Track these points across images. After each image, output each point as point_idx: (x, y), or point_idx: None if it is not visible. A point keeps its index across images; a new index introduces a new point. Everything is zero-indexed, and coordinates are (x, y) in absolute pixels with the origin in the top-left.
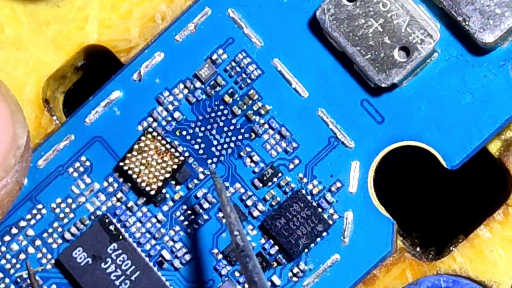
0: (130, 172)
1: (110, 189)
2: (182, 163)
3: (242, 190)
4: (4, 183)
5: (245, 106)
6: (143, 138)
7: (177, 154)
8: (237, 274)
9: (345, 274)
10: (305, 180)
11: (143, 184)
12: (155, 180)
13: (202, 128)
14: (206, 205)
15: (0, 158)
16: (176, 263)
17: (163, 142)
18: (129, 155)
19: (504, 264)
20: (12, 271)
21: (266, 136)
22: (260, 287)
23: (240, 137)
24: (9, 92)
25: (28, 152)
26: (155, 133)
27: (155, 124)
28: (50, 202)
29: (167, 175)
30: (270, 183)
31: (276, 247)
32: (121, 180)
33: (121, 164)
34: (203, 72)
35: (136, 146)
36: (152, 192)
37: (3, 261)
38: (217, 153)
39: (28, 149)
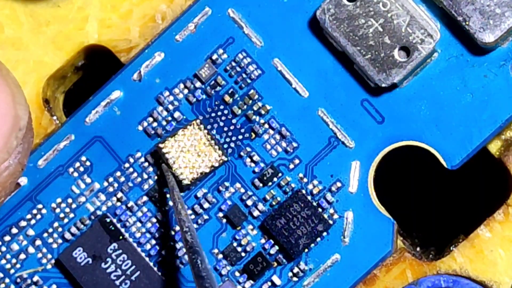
0: (167, 156)
1: (110, 189)
2: (223, 163)
3: (242, 190)
4: (6, 165)
5: (245, 106)
6: (190, 126)
7: (221, 152)
8: (237, 274)
9: (345, 274)
10: (305, 180)
11: (178, 171)
12: (192, 170)
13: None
14: (206, 205)
15: (2, 140)
16: (177, 263)
17: (211, 136)
18: (170, 138)
19: (504, 264)
20: (12, 271)
21: (266, 136)
22: (208, 281)
23: (240, 137)
24: (9, 73)
25: (30, 133)
26: (203, 126)
27: (155, 124)
28: (50, 202)
29: (207, 170)
30: (270, 183)
31: (276, 247)
32: (152, 163)
33: (161, 145)
34: (203, 72)
35: (181, 132)
36: (186, 182)
37: (3, 261)
38: None
39: (30, 130)
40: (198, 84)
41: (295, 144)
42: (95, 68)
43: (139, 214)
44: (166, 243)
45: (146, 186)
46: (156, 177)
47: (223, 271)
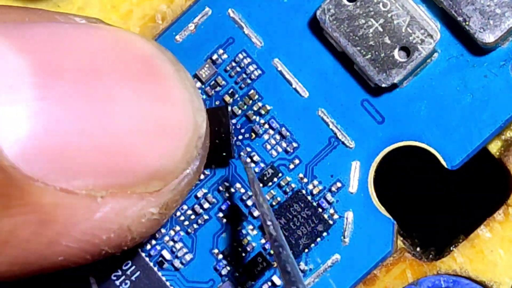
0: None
1: None
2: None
3: (243, 190)
4: (185, 174)
5: (245, 106)
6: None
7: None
8: (237, 274)
9: (345, 274)
10: (305, 180)
11: None
12: None
13: None
14: (206, 205)
15: (182, 150)
16: (177, 263)
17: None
18: None
19: (504, 264)
20: None
21: (267, 136)
22: (293, 276)
23: (240, 137)
24: (187, 76)
25: (207, 139)
26: None
27: None
28: None
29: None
30: (270, 183)
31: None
32: None
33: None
34: (203, 72)
35: None
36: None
37: None
38: None
39: (207, 136)
40: (198, 84)
41: (295, 144)
42: None
43: None
44: (166, 243)
45: None
46: None
47: (223, 271)
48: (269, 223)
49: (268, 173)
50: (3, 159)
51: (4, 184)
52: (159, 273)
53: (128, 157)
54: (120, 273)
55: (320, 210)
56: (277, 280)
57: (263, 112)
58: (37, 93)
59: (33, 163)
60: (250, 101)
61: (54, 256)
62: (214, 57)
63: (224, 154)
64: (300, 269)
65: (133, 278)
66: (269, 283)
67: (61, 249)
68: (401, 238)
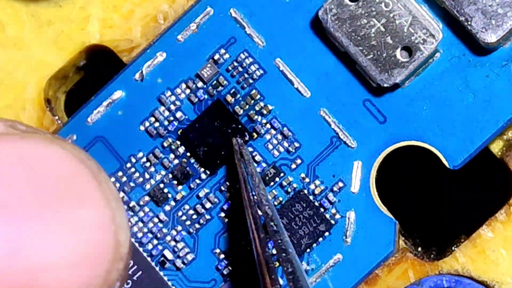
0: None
1: None
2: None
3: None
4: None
5: (247, 106)
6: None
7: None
8: (239, 274)
9: (347, 274)
10: (307, 180)
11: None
12: None
13: None
14: (208, 205)
15: (102, 277)
16: (178, 263)
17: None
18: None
19: (506, 264)
20: None
21: (268, 136)
22: (289, 254)
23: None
24: (110, 186)
25: (129, 257)
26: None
27: (157, 124)
28: None
29: None
30: (272, 183)
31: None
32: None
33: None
34: (205, 72)
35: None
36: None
37: None
38: None
39: (130, 253)
40: (200, 84)
41: (297, 144)
42: (97, 68)
43: (141, 214)
44: (168, 243)
45: (148, 186)
46: (157, 177)
47: (225, 271)
48: (265, 203)
49: (270, 173)
50: None
51: None
52: (161, 273)
53: None
54: None
55: (322, 210)
56: (279, 280)
57: (265, 112)
58: None
59: None
60: (252, 101)
61: None
62: (216, 57)
63: (243, 138)
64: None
65: (134, 278)
66: (280, 281)
67: None
68: (403, 238)
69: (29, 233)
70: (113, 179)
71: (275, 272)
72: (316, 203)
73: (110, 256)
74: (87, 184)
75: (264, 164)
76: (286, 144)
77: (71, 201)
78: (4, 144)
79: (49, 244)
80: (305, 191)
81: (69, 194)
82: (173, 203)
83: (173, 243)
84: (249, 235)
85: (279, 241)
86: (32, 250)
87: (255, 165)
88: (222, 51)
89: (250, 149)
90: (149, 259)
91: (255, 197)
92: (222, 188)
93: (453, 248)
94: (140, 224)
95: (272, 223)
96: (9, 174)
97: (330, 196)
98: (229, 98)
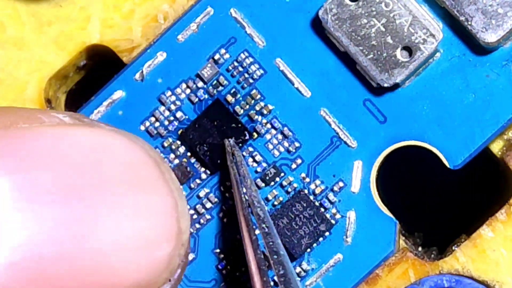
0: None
1: None
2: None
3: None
4: (167, 286)
5: (247, 106)
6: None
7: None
8: (239, 273)
9: (348, 274)
10: (307, 179)
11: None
12: None
13: None
14: (208, 205)
15: (166, 262)
16: None
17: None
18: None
19: (506, 264)
20: None
21: (269, 135)
22: (280, 256)
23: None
24: (172, 176)
25: (189, 242)
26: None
27: (157, 124)
28: None
29: None
30: (272, 183)
31: None
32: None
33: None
34: (205, 72)
35: None
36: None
37: None
38: None
39: (189, 239)
40: (200, 84)
41: (297, 144)
42: (97, 68)
43: None
44: None
45: None
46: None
47: (225, 271)
48: (257, 204)
49: (270, 173)
50: None
51: None
52: None
53: (110, 276)
54: None
55: (322, 209)
56: (271, 283)
57: (265, 111)
58: (19, 220)
59: None
60: (252, 101)
61: None
62: (216, 56)
63: (243, 138)
64: (302, 268)
65: None
66: (271, 283)
67: None
68: (403, 238)
69: (100, 215)
70: None
71: (266, 275)
72: (317, 203)
73: (173, 241)
74: (152, 173)
75: (264, 164)
76: (286, 144)
77: (138, 187)
78: (76, 132)
79: (119, 227)
80: (306, 191)
81: (136, 181)
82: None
83: None
84: (241, 237)
85: (271, 243)
86: (102, 232)
87: (247, 166)
88: (223, 51)
89: (251, 148)
90: None
91: (247, 198)
92: (222, 188)
93: (453, 248)
94: None
95: (263, 225)
96: (81, 160)
97: (331, 196)
98: (229, 98)
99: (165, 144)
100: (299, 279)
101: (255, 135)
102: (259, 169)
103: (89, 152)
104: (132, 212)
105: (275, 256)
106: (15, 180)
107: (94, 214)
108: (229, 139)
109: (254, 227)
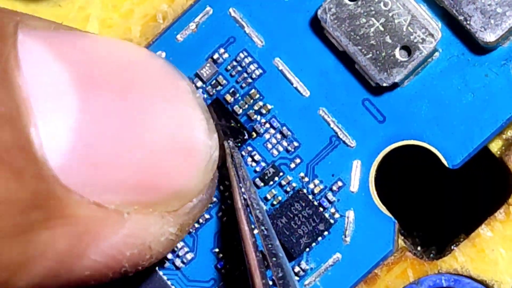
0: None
1: None
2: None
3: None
4: (200, 199)
5: (246, 105)
6: None
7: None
8: (238, 273)
9: (347, 273)
10: (306, 179)
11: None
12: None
13: None
14: None
15: (202, 172)
16: (178, 262)
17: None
18: None
19: (505, 263)
20: None
21: (268, 135)
22: (280, 258)
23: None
24: (201, 98)
25: (219, 161)
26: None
27: None
28: None
29: None
30: (271, 182)
31: None
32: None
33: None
34: (204, 72)
35: None
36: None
37: None
38: None
39: (219, 158)
40: (199, 83)
41: (296, 144)
42: None
43: None
44: None
45: None
46: None
47: (224, 270)
48: (256, 206)
49: (269, 172)
50: (47, 169)
51: (45, 195)
52: (160, 272)
53: (155, 175)
54: None
55: (321, 209)
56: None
57: (264, 111)
58: (80, 105)
59: (71, 175)
60: (251, 101)
61: (82, 271)
62: (215, 56)
63: (241, 137)
64: (301, 268)
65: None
66: (270, 282)
67: (88, 264)
68: (402, 237)
69: (153, 113)
70: None
71: (265, 277)
72: (315, 203)
73: (208, 155)
74: (187, 87)
75: (263, 163)
76: (285, 144)
77: (181, 97)
78: (124, 42)
79: (169, 130)
80: (304, 191)
81: (179, 90)
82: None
83: None
84: (240, 237)
85: (270, 245)
86: (155, 131)
87: (246, 167)
88: (221, 50)
89: (250, 148)
90: None
91: (247, 201)
92: (221, 187)
93: (452, 247)
94: None
95: (263, 227)
96: (133, 63)
97: (329, 195)
98: (228, 97)
99: None
100: (297, 279)
101: (254, 134)
102: (258, 169)
103: (139, 58)
104: (179, 117)
105: (274, 259)
106: (74, 70)
107: (150, 111)
108: (229, 141)
109: (253, 228)
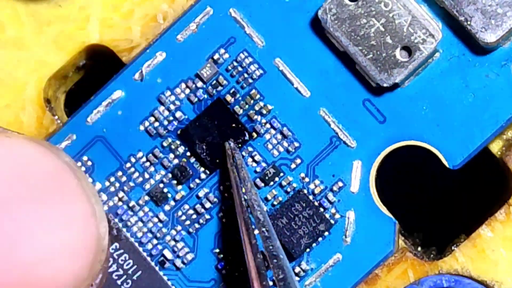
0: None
1: (112, 189)
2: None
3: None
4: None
5: (246, 106)
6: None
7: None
8: (238, 273)
9: (347, 274)
10: (306, 179)
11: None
12: None
13: None
14: (207, 205)
15: (88, 269)
16: (178, 262)
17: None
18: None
19: (506, 264)
20: None
21: (268, 135)
22: (280, 260)
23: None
24: (88, 182)
25: (109, 247)
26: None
27: (157, 124)
28: None
29: None
30: (272, 183)
31: None
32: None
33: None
34: (204, 72)
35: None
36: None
37: None
38: None
39: (109, 243)
40: (199, 83)
41: (296, 144)
42: (97, 68)
43: (141, 213)
44: (167, 242)
45: (147, 186)
46: (156, 177)
47: (224, 271)
48: (257, 208)
49: (270, 173)
50: None
51: None
52: (161, 273)
53: (38, 286)
54: (121, 272)
55: (321, 209)
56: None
57: (264, 111)
58: None
59: None
60: (252, 101)
61: None
62: (216, 56)
63: (242, 137)
64: (301, 268)
65: (134, 277)
66: (271, 283)
67: None
68: (403, 238)
69: (24, 227)
70: (112, 178)
71: (266, 279)
72: (316, 203)
73: (94, 247)
74: (69, 180)
75: (263, 164)
76: (285, 144)
77: (57, 196)
78: (8, 150)
79: (43, 238)
80: (305, 191)
81: (55, 190)
82: (172, 202)
83: (172, 242)
84: (241, 238)
85: (271, 247)
86: (28, 244)
87: (247, 169)
88: (222, 51)
89: (250, 148)
90: (148, 259)
91: (247, 202)
92: (222, 188)
93: (452, 247)
94: (140, 224)
95: (263, 229)
96: (2, 173)
97: (330, 195)
98: (228, 97)
99: (165, 144)
100: (298, 279)
101: (255, 135)
102: (258, 169)
103: (9, 162)
104: (56, 222)
105: (275, 260)
106: None
107: (18, 227)
108: (229, 142)
109: (254, 229)
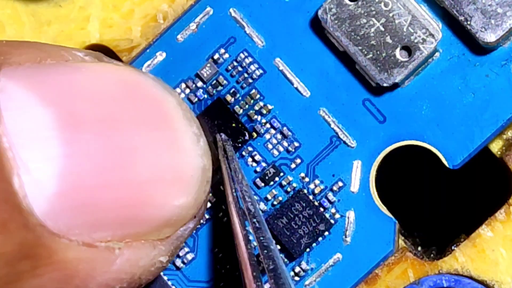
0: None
1: None
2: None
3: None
4: (193, 221)
5: (246, 106)
6: None
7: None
8: (238, 273)
9: (347, 274)
10: (306, 179)
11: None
12: None
13: None
14: (207, 205)
15: (194, 197)
16: (178, 262)
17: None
18: None
19: (506, 264)
20: None
21: (268, 135)
22: (271, 251)
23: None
24: (192, 115)
25: (210, 182)
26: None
27: None
28: None
29: None
30: (271, 183)
31: (278, 247)
32: None
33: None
34: (204, 72)
35: None
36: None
37: None
38: None
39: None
40: (199, 83)
41: (296, 144)
42: None
43: None
44: None
45: None
46: None
47: (224, 270)
48: (248, 199)
49: (270, 173)
50: (33, 218)
51: (32, 244)
52: (161, 273)
53: (145, 207)
54: None
55: (321, 209)
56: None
57: (264, 111)
58: (64, 150)
59: (59, 219)
60: (252, 101)
61: None
62: (216, 56)
63: (242, 137)
64: (301, 268)
65: None
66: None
67: None
68: (403, 238)
69: (138, 148)
70: None
71: (257, 270)
72: (316, 203)
73: (200, 178)
74: (177, 110)
75: (263, 164)
76: (285, 144)
77: (167, 123)
78: (106, 68)
79: (155, 160)
80: (305, 191)
81: (164, 116)
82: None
83: None
84: (232, 231)
85: (262, 237)
86: (141, 164)
87: (246, 168)
88: (222, 50)
89: (250, 148)
90: None
91: (238, 193)
92: (222, 187)
93: (452, 247)
94: None
95: (254, 220)
96: (117, 94)
97: (330, 195)
98: (228, 97)
99: None
100: (298, 279)
101: (255, 135)
102: (258, 169)
103: (123, 87)
104: (166, 147)
105: (266, 251)
106: (57, 112)
107: (135, 146)
108: (221, 134)
109: (245, 221)
